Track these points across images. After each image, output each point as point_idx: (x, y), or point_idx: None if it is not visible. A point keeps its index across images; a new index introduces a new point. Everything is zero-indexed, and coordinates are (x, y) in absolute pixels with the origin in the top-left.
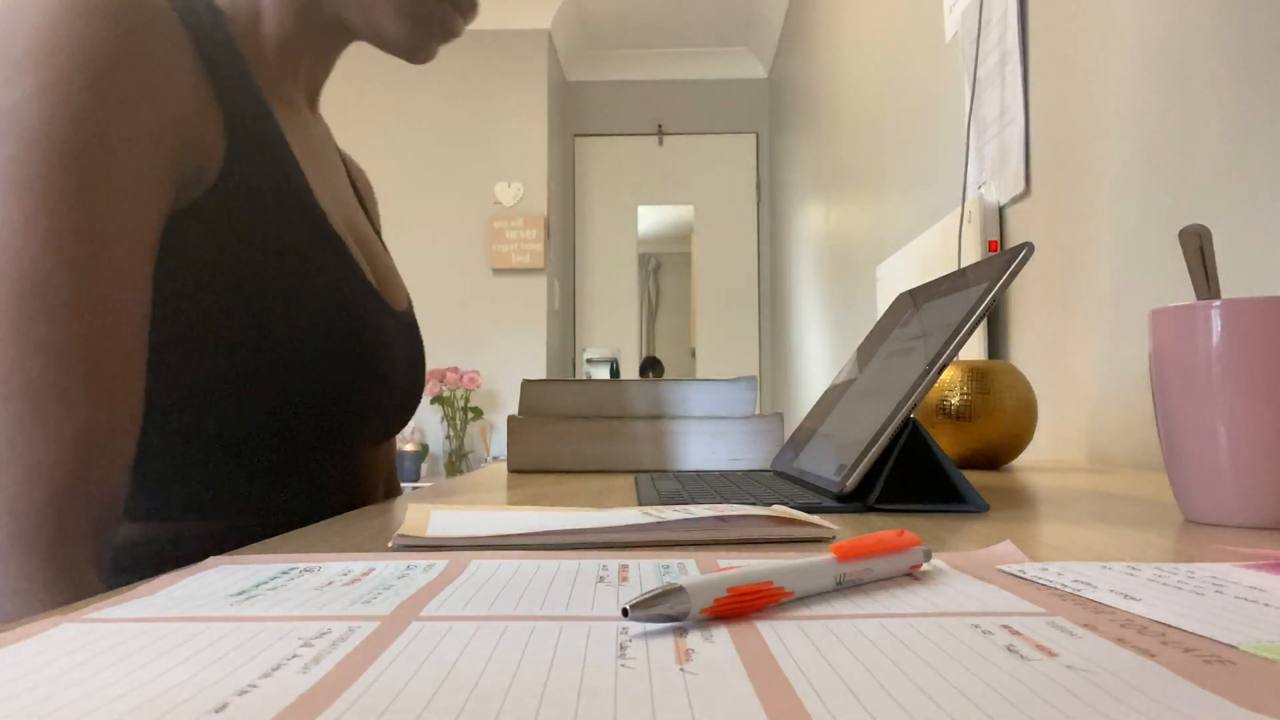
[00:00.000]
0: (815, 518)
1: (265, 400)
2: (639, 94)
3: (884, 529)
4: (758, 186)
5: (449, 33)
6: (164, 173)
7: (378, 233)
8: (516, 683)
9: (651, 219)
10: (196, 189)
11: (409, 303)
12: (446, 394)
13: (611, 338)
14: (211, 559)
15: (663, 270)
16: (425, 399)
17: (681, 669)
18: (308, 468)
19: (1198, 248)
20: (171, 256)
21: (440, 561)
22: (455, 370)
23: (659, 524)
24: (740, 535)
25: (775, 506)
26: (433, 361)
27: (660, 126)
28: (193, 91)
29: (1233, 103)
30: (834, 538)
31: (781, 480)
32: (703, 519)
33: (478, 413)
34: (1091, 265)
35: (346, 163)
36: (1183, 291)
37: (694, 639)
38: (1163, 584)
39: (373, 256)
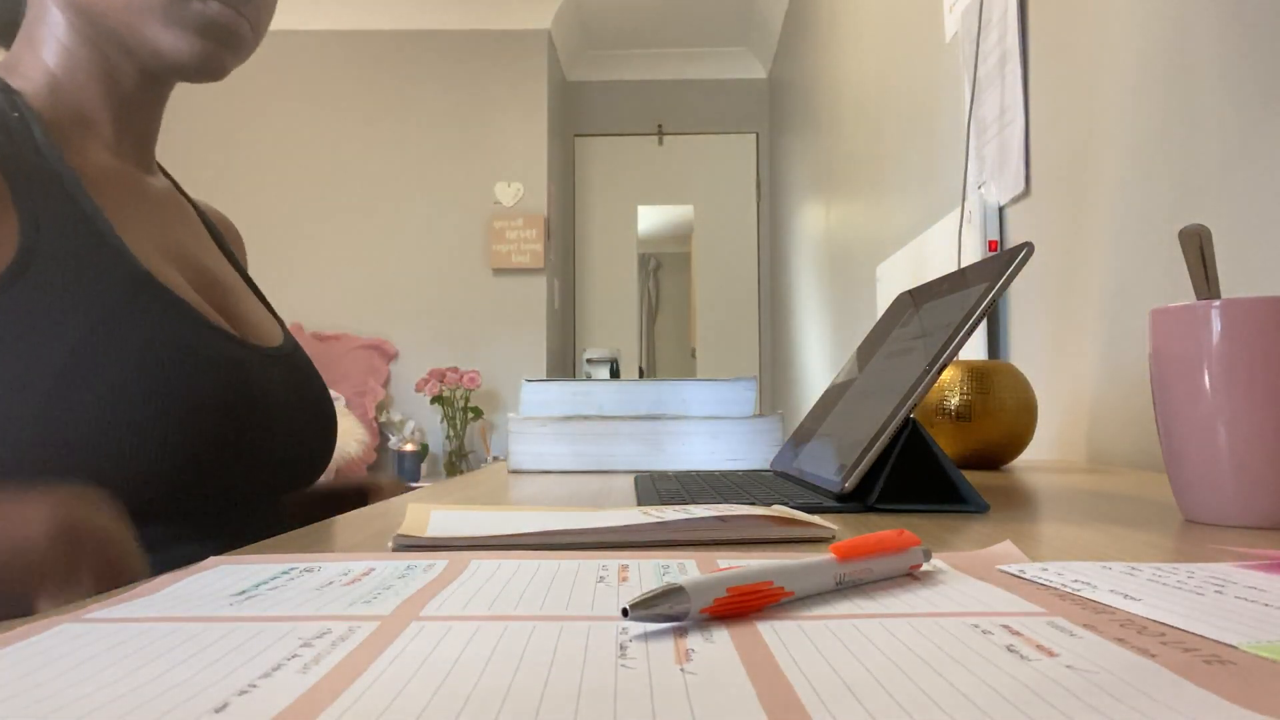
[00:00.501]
0: (815, 518)
1: (129, 467)
2: (639, 94)
3: (884, 529)
4: (758, 186)
5: (231, 35)
6: None
7: (246, 277)
8: (516, 683)
9: (651, 219)
10: None
11: (285, 338)
12: (446, 394)
13: (611, 338)
14: (211, 559)
15: (663, 270)
16: (425, 399)
17: (681, 669)
18: (219, 531)
19: (1198, 248)
20: None
21: (440, 561)
22: (455, 370)
23: (659, 524)
24: (740, 535)
25: (775, 506)
26: (433, 361)
27: (660, 126)
28: None
29: (1233, 103)
30: (834, 538)
31: (781, 480)
32: (703, 519)
33: (478, 413)
34: (1091, 265)
35: (204, 212)
36: (1183, 291)
37: (694, 639)
38: (1163, 584)
39: (230, 301)
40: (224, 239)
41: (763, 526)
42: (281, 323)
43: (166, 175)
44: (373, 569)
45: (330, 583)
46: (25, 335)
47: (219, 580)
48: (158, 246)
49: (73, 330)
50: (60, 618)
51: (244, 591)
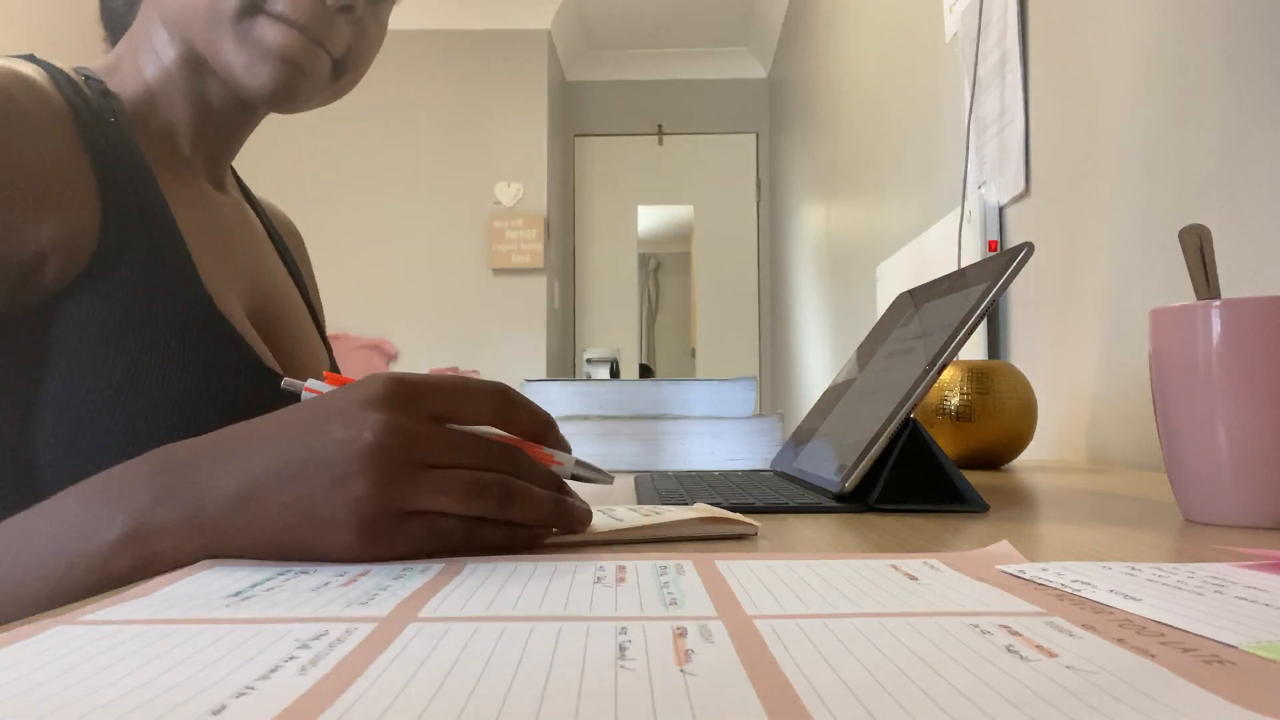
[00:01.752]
0: (739, 515)
1: None
2: (639, 94)
3: (884, 529)
4: (758, 186)
5: (303, 66)
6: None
7: (306, 295)
8: (516, 684)
9: (651, 219)
10: (69, 270)
11: (330, 368)
12: None
13: (611, 338)
14: (205, 560)
15: (663, 270)
16: None
17: (681, 670)
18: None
19: (1198, 248)
20: (45, 343)
21: (437, 563)
22: (455, 370)
23: None
24: (666, 535)
25: (698, 505)
26: (433, 361)
27: (660, 126)
28: (60, 171)
29: (1233, 103)
30: (756, 534)
31: (781, 480)
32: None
33: None
34: (1091, 265)
35: (269, 219)
36: (1183, 291)
37: (693, 639)
38: (1162, 584)
39: (285, 332)
40: (288, 250)
41: (688, 526)
42: (330, 350)
43: (237, 179)
44: (368, 570)
45: (326, 584)
46: (85, 339)
47: (213, 582)
48: (224, 273)
49: (129, 347)
50: (55, 620)
51: (239, 593)
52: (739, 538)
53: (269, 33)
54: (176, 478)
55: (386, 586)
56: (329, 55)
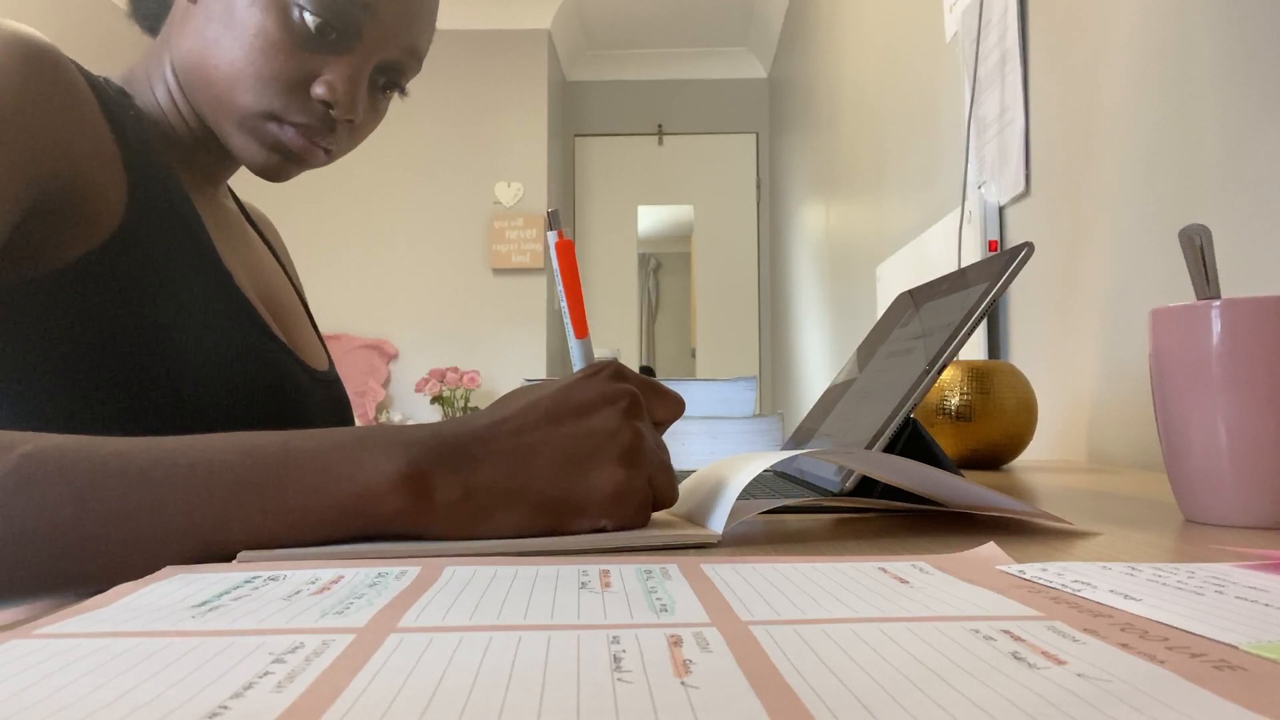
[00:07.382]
0: (696, 526)
1: None
2: (639, 94)
3: (882, 530)
4: (758, 186)
5: (303, 162)
6: (19, 189)
7: (301, 295)
8: (510, 700)
9: (651, 219)
10: (88, 237)
11: (330, 365)
12: (446, 394)
13: (611, 338)
14: (167, 568)
15: (663, 270)
16: (425, 399)
17: (682, 683)
18: None
19: (1198, 248)
20: (64, 310)
21: (413, 568)
22: (455, 370)
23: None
24: (620, 544)
25: (662, 513)
26: (433, 361)
27: (660, 126)
28: (89, 140)
29: (1233, 103)
30: (717, 543)
31: (781, 480)
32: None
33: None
34: (1091, 265)
35: (255, 220)
36: (1183, 291)
37: (690, 649)
38: (1163, 584)
39: (290, 325)
40: (279, 254)
41: (644, 535)
42: (326, 349)
43: (234, 195)
44: (341, 576)
45: (297, 591)
46: (109, 304)
47: (177, 590)
48: (236, 259)
49: (154, 311)
50: (6, 634)
51: (205, 602)
52: (700, 547)
53: (276, 134)
54: (448, 436)
55: (361, 595)
56: (324, 151)
